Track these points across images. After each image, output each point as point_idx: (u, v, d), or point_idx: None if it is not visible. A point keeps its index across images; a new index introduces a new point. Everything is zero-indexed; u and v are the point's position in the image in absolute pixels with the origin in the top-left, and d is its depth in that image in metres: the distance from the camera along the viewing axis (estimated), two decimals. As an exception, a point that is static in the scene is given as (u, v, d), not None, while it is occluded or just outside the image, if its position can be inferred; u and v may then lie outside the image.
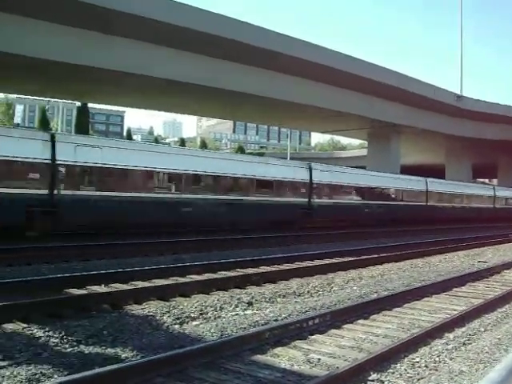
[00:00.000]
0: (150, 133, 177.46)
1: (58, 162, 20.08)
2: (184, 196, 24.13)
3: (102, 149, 21.57)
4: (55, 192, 19.85)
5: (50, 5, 24.04)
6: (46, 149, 19.77)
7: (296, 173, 30.54)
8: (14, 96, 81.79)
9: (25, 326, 7.96)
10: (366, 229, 31.10)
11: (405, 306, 10.55)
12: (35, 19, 24.93)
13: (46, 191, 19.70)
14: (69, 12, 24.76)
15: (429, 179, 42.93)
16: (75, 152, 20.50)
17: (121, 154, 22.33)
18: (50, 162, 19.75)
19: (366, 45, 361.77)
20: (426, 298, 11.40)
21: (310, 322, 8.37)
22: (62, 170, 20.35)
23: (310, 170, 31.12)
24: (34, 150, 19.47)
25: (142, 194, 22.57)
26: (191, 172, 24.79)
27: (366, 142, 60.16)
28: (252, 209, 27.21)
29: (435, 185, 43.55)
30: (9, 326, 7.98)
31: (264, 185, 28.83)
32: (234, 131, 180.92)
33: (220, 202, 25.72)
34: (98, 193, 21.07)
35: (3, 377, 5.82)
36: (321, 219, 31.11)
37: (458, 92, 50.59)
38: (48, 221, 19.49)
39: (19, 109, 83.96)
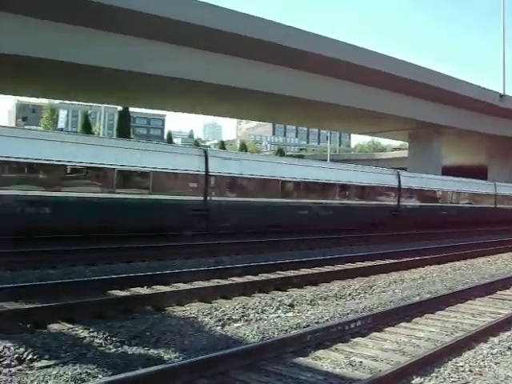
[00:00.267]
0: (191, 136, 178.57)
1: (210, 174, 24.04)
2: (301, 201, 28.19)
3: (242, 161, 26.27)
4: (208, 198, 23.86)
5: (94, 13, 24.38)
6: (201, 163, 23.85)
7: (386, 179, 34.08)
8: (58, 101, 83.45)
9: (70, 326, 8.11)
10: (409, 231, 30.77)
11: (448, 309, 10.41)
12: (75, 26, 25.35)
13: (201, 198, 23.66)
14: (113, 18, 25.09)
15: (497, 183, 44.53)
16: (222, 165, 24.74)
17: (256, 165, 27.03)
18: (204, 173, 23.77)
19: (404, 47, 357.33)
20: (469, 301, 11.23)
21: (352, 325, 8.31)
22: (213, 180, 24.29)
23: (399, 176, 34.63)
24: (194, 164, 23.67)
25: (271, 200, 26.59)
26: (307, 180, 28.74)
27: (406, 143, 59.48)
28: (353, 212, 30.75)
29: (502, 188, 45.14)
30: (54, 326, 8.14)
31: (360, 190, 32.14)
32: (273, 133, 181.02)
33: (329, 206, 29.34)
34: (238, 198, 25.34)
35: (50, 375, 5.93)
36: (408, 220, 33.35)
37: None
38: (203, 222, 23.55)
39: (63, 114, 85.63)
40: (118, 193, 20.85)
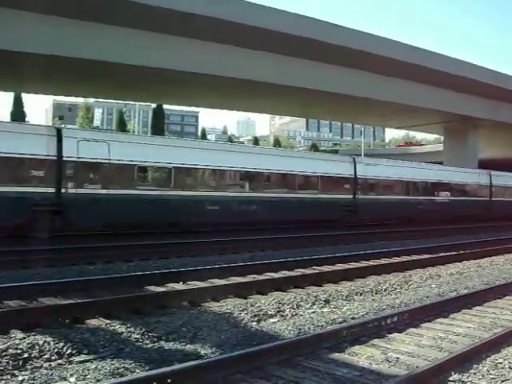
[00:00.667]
0: (224, 132, 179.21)
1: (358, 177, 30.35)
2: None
3: (377, 166, 32.38)
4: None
5: (130, 12, 24.61)
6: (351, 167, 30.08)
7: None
8: (93, 100, 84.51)
9: (108, 321, 8.22)
10: (443, 225, 30.57)
11: (485, 304, 10.27)
12: (112, 25, 25.62)
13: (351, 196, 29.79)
14: (149, 17, 25.28)
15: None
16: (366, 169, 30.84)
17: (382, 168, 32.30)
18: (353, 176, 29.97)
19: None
20: (507, 297, 11.05)
21: (388, 321, 8.25)
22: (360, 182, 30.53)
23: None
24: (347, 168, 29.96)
25: (400, 197, 32.71)
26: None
27: (441, 137, 58.72)
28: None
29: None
30: (92, 322, 8.26)
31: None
32: (307, 128, 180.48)
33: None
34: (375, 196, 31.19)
35: (88, 370, 6.01)
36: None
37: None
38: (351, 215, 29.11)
39: (98, 112, 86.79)
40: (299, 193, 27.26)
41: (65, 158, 19.60)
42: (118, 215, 19.94)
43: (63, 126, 51.64)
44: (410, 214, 33.37)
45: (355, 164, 30.59)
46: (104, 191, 20.35)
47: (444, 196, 36.66)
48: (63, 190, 19.47)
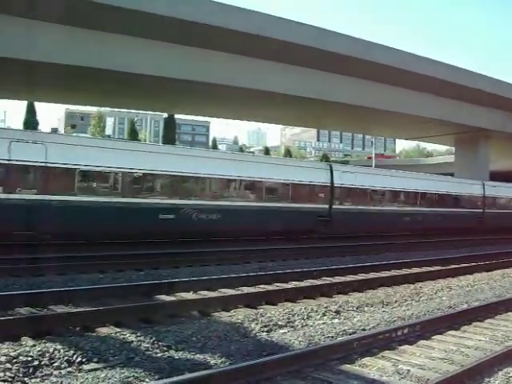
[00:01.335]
0: (235, 142, 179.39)
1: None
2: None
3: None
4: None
5: (142, 22, 24.76)
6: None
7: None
8: (105, 109, 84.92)
9: (118, 330, 8.23)
10: (453, 237, 30.41)
11: (497, 317, 10.22)
12: (123, 35, 25.76)
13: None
14: (160, 28, 25.42)
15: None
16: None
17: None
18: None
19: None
20: (520, 310, 10.98)
21: (399, 332, 8.22)
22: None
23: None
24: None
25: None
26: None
27: (452, 148, 58.55)
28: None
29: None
30: (102, 330, 8.27)
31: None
32: (318, 139, 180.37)
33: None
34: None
35: (98, 378, 6.03)
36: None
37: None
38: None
39: (110, 121, 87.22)
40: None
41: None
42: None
43: (74, 134, 52.02)
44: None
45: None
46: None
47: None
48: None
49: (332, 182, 28.70)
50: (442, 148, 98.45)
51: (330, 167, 29.86)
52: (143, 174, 22.24)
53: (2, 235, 16.56)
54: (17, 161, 18.53)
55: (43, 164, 18.93)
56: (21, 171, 19.16)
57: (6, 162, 18.31)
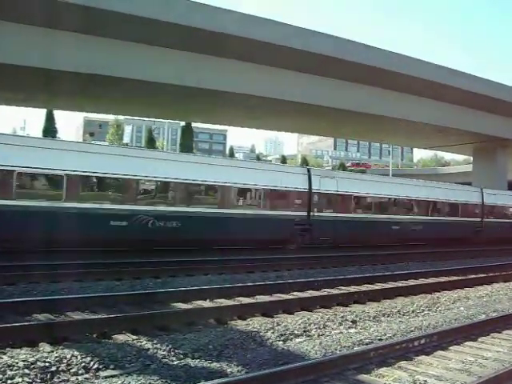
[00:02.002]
0: (252, 151, 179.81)
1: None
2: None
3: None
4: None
5: (163, 31, 24.93)
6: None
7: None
8: (123, 117, 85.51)
9: (134, 337, 8.26)
10: (471, 247, 30.22)
11: (516, 328, 10.11)
12: (139, 43, 25.96)
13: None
14: (176, 35, 25.58)
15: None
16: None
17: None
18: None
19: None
20: (539, 321, 10.86)
21: (416, 343, 8.18)
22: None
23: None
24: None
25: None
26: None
27: (470, 158, 58.22)
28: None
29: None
30: (119, 337, 8.30)
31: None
32: (334, 148, 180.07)
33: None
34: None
35: (115, 385, 6.06)
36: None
37: None
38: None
39: (128, 129, 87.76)
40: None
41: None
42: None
43: (93, 141, 52.26)
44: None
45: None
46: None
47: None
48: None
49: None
50: (460, 157, 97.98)
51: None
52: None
53: None
54: None
55: None
56: None
57: None
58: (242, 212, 24.04)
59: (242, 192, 25.14)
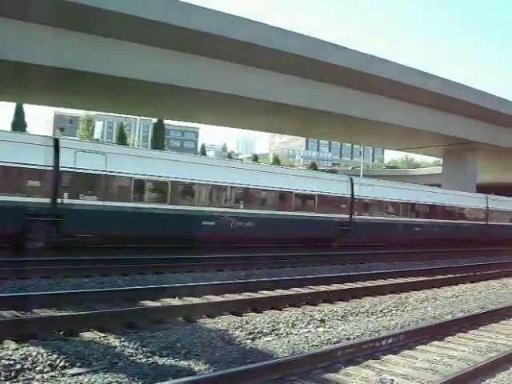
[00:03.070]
0: (224, 149, 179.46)
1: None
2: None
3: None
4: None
5: (131, 27, 24.74)
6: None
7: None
8: (94, 113, 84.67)
9: (102, 335, 8.19)
10: (439, 248, 30.64)
11: (481, 328, 10.27)
12: (114, 39, 25.74)
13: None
14: (151, 33, 25.39)
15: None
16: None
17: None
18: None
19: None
20: (503, 321, 11.06)
21: (383, 342, 8.25)
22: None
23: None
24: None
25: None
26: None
27: (440, 160, 58.88)
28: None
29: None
30: (86, 335, 8.22)
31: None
32: (306, 148, 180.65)
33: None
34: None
35: (81, 383, 5.99)
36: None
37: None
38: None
39: (98, 125, 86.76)
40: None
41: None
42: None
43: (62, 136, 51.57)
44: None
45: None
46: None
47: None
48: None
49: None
50: (430, 160, 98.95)
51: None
52: None
53: None
54: None
55: None
56: None
57: None
58: (302, 215, 27.16)
59: (304, 197, 28.16)
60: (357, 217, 30.08)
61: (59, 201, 19.61)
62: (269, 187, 26.22)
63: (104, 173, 20.84)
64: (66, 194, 19.84)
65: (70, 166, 20.01)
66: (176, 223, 22.04)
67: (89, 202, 20.45)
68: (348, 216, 29.72)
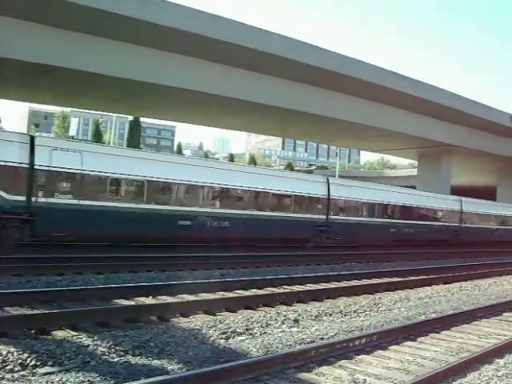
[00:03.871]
0: (200, 148, 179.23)
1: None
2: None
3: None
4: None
5: (109, 23, 24.56)
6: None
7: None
8: (69, 109, 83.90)
9: (74, 333, 8.11)
10: (415, 249, 30.94)
11: (453, 329, 10.35)
12: (90, 35, 25.53)
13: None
14: (128, 29, 25.22)
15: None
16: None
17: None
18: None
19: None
20: (475, 322, 11.17)
21: (357, 342, 8.28)
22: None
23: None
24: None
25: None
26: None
27: (415, 162, 59.45)
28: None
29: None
30: (58, 333, 8.14)
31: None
32: (282, 148, 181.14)
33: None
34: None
35: (52, 382, 5.93)
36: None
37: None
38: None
39: (74, 122, 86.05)
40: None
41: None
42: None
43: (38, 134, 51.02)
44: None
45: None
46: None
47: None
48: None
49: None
50: (406, 161, 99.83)
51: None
52: None
53: None
54: None
55: None
56: None
57: None
58: (278, 215, 27.41)
59: (280, 198, 28.43)
60: (333, 217, 30.32)
61: (34, 199, 19.34)
62: (245, 187, 26.34)
63: (80, 171, 20.70)
64: (40, 193, 19.58)
65: (46, 164, 19.75)
66: (152, 223, 21.86)
67: (64, 200, 20.16)
68: (324, 216, 30.00)
